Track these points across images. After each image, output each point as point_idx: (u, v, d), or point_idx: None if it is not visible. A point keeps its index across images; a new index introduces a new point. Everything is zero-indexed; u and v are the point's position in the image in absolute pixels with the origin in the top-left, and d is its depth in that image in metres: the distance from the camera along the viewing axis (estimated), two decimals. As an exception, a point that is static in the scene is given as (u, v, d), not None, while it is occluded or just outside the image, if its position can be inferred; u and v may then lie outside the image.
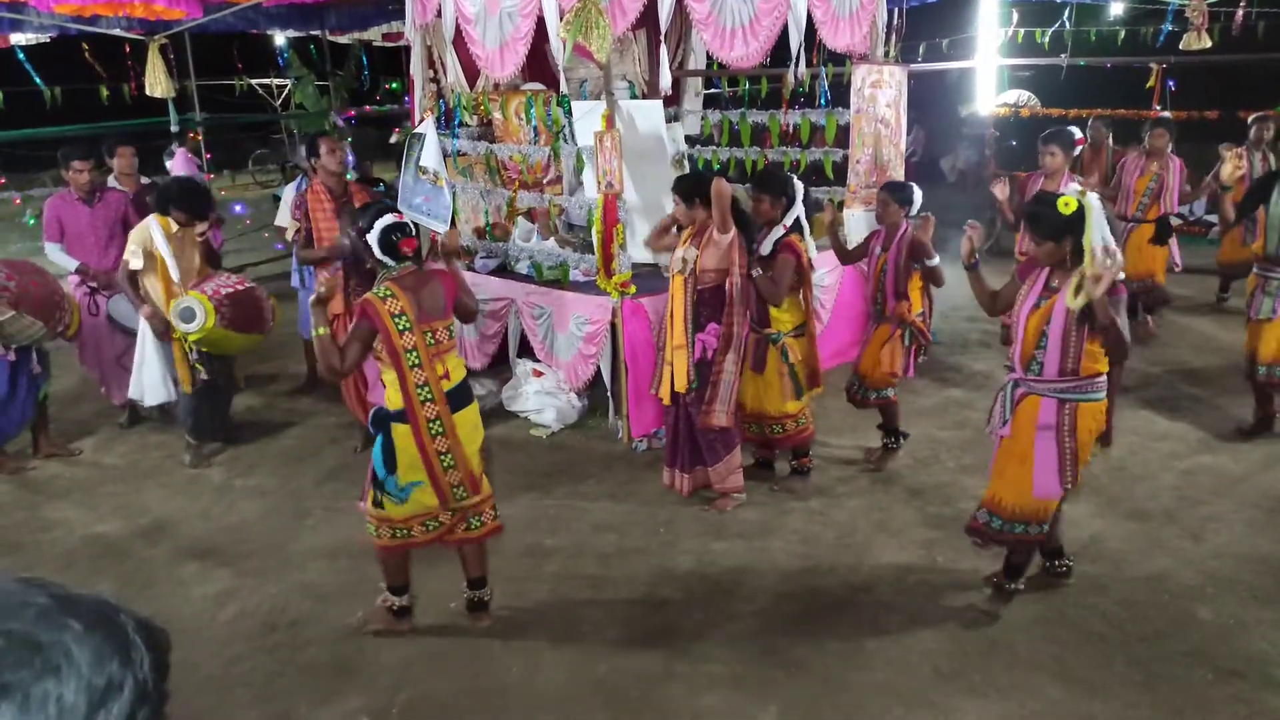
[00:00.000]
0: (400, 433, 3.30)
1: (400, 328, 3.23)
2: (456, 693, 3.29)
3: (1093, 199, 3.20)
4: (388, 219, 3.31)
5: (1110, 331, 3.17)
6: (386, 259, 3.32)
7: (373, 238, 3.29)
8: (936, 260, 4.62)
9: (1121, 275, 3.16)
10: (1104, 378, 3.37)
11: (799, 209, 4.49)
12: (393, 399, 3.31)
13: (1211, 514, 4.38)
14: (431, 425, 3.29)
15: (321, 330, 3.26)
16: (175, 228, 5.12)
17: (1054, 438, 3.38)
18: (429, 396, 3.28)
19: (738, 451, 4.56)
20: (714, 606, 3.77)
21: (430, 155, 5.74)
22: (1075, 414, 3.37)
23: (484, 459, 3.61)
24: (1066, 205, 3.20)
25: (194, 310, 4.86)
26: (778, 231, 4.46)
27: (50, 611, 0.73)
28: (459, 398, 3.41)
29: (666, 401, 4.48)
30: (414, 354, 3.25)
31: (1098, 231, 3.15)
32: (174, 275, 5.06)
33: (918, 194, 4.74)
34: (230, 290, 5.06)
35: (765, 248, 4.47)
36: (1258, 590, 3.75)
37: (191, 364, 5.14)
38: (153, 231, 5.06)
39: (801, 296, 4.58)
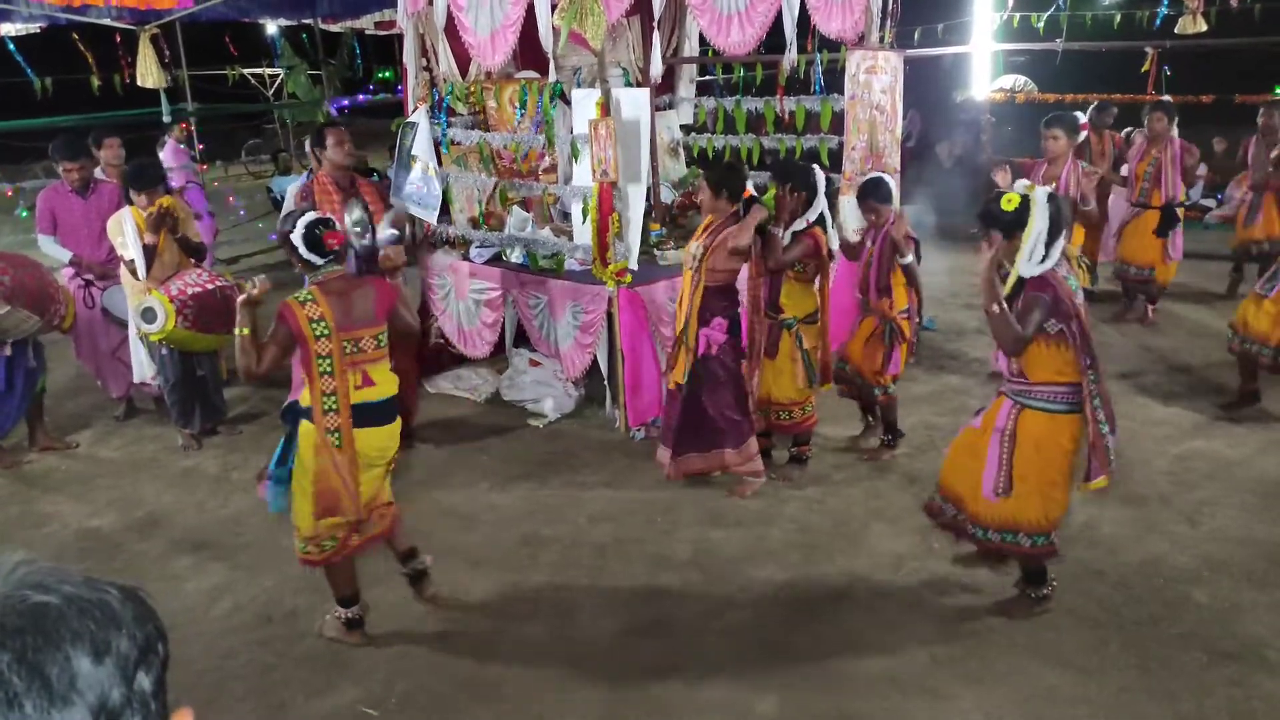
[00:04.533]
0: (304, 431, 3.26)
1: (317, 334, 3.16)
2: (453, 684, 3.29)
3: (1039, 194, 3.17)
4: (311, 216, 3.26)
5: (988, 313, 3.21)
6: (313, 256, 3.24)
7: (297, 236, 3.22)
8: (910, 259, 4.56)
9: (1032, 269, 3.15)
10: (1066, 389, 3.26)
11: (822, 204, 4.48)
12: (306, 398, 3.27)
13: (1206, 498, 4.39)
14: (331, 436, 3.22)
15: (245, 331, 3.17)
16: (147, 219, 5.12)
17: (998, 440, 3.36)
18: (333, 407, 3.21)
19: (754, 438, 4.55)
20: (712, 596, 3.77)
21: (421, 144, 5.72)
22: (1018, 418, 3.33)
23: (393, 473, 3.56)
24: (1009, 202, 3.20)
25: (155, 311, 4.84)
26: (799, 225, 4.46)
27: (90, 581, 0.82)
28: (379, 413, 3.32)
29: (681, 380, 4.44)
30: (327, 361, 3.18)
31: (1039, 225, 3.13)
32: (140, 273, 5.07)
33: (893, 184, 4.73)
34: (197, 290, 5.01)
35: (786, 238, 4.47)
36: (1252, 573, 3.76)
37: (160, 360, 5.26)
38: (125, 224, 5.06)
39: (817, 286, 4.59)
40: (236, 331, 3.18)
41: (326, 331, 3.17)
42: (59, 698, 0.73)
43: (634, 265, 5.29)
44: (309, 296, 3.20)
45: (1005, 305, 3.20)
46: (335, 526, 3.34)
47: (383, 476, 3.48)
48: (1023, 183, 3.30)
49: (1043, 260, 3.15)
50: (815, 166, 4.64)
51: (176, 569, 4.15)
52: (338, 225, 3.30)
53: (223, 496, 4.85)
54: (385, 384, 3.36)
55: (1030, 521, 3.38)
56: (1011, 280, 3.23)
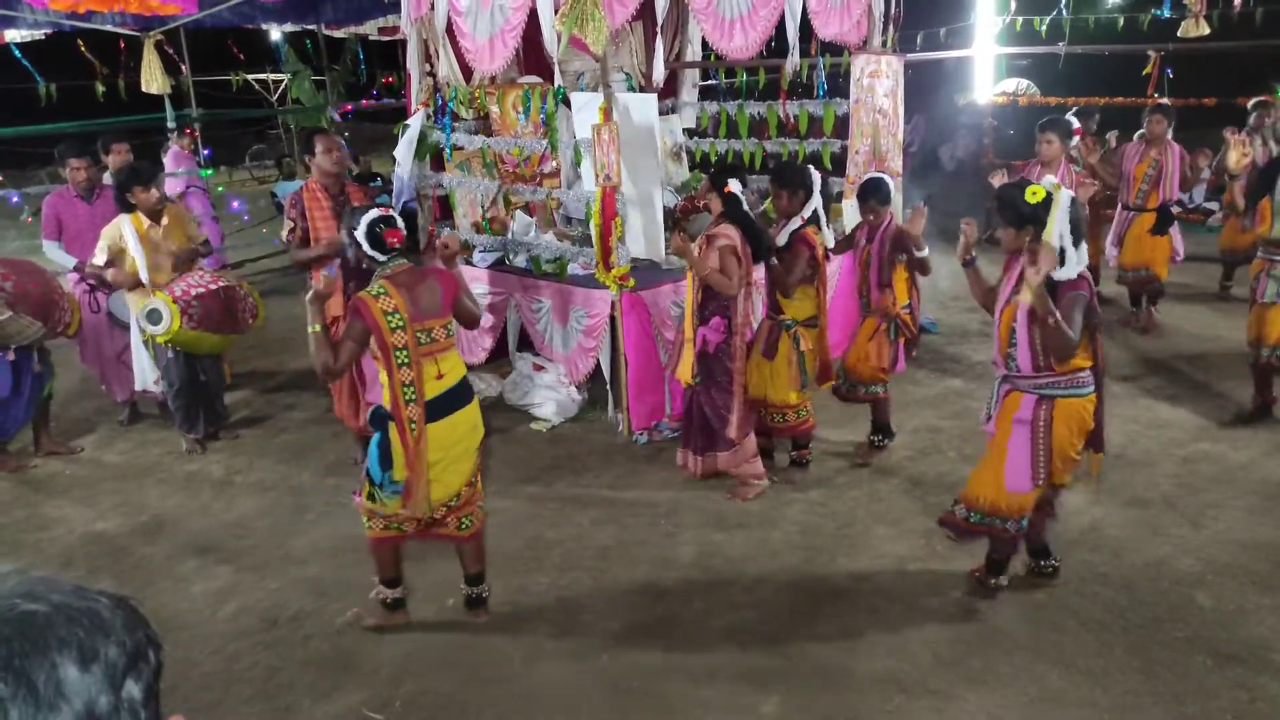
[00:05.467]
0: (396, 427, 3.29)
1: (393, 325, 3.21)
2: (458, 685, 3.30)
3: (1064, 195, 3.17)
4: (374, 213, 3.32)
5: (1046, 326, 3.16)
6: (376, 254, 3.32)
7: (360, 234, 3.30)
8: (926, 252, 4.61)
9: (1067, 272, 3.16)
10: (1087, 374, 3.33)
11: (817, 200, 4.53)
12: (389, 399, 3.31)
13: (1211, 501, 4.38)
14: (413, 426, 3.26)
15: (317, 328, 3.25)
16: (147, 224, 5.15)
17: (1028, 433, 3.36)
18: (412, 397, 3.25)
19: (750, 440, 4.56)
20: (715, 597, 3.78)
21: (401, 147, 5.84)
22: (1052, 410, 3.33)
23: (481, 456, 3.59)
24: (1033, 194, 3.18)
25: (160, 313, 4.87)
26: (795, 223, 4.51)
27: (80, 589, 0.83)
28: (456, 398, 3.38)
29: (688, 380, 4.48)
30: (404, 353, 3.23)
31: (1059, 225, 3.13)
32: (144, 277, 5.09)
33: (891, 185, 4.76)
34: (201, 291, 5.04)
35: (781, 239, 4.52)
36: (1257, 576, 3.76)
37: (165, 364, 5.26)
38: (124, 230, 5.09)
39: (816, 288, 4.60)
40: (309, 329, 3.25)
41: (401, 323, 3.22)
42: (45, 704, 0.74)
43: (667, 265, 5.34)
44: (381, 290, 3.24)
45: (1059, 315, 3.14)
46: (409, 514, 3.38)
47: (472, 471, 3.49)
48: (1050, 179, 3.30)
49: (1068, 264, 3.17)
50: (810, 166, 4.69)
51: (182, 572, 4.16)
52: (397, 223, 3.33)
53: (227, 500, 4.87)
54: (458, 368, 3.43)
55: (1023, 505, 3.46)
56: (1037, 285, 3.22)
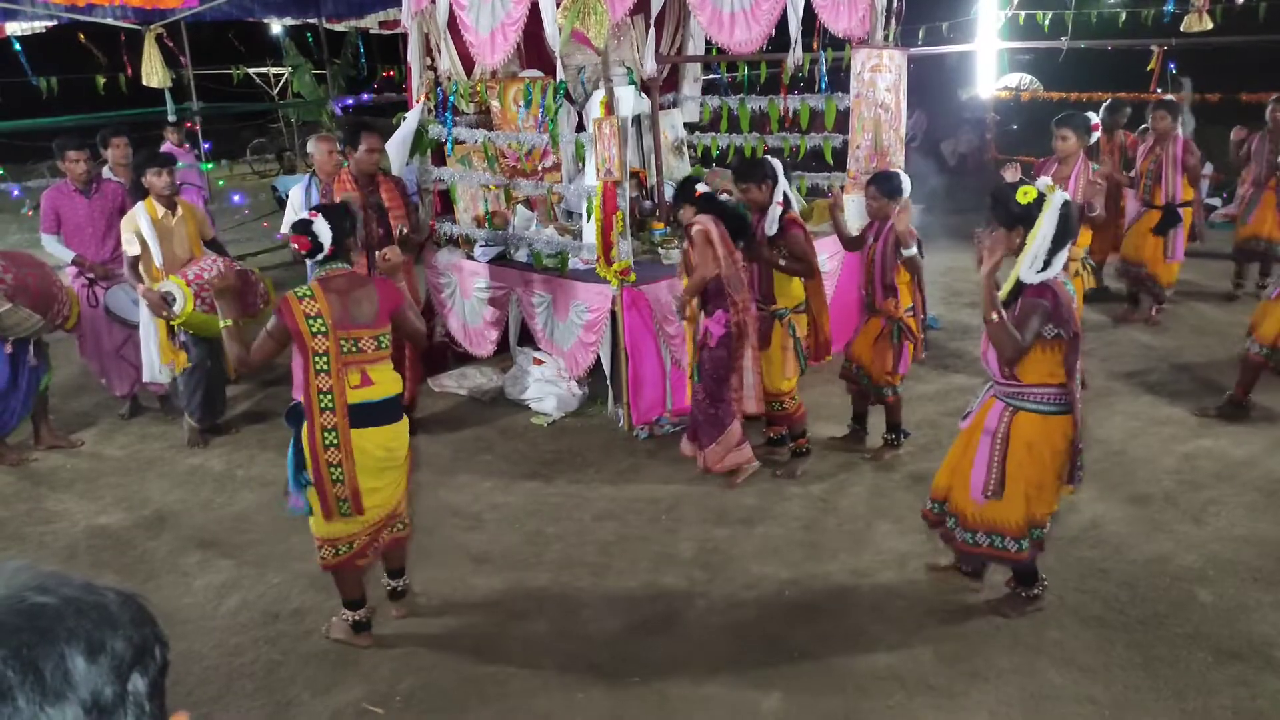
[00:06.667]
0: (307, 432, 3.25)
1: (314, 330, 3.15)
2: (458, 682, 3.30)
3: (1056, 197, 3.13)
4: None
5: (988, 322, 3.15)
6: (304, 257, 3.32)
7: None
8: (914, 250, 4.52)
9: (1033, 276, 3.14)
10: (1056, 390, 3.24)
11: (784, 184, 4.62)
12: None
13: (1212, 497, 4.38)
14: (326, 435, 3.19)
15: (227, 322, 3.22)
16: (162, 212, 5.16)
17: (989, 442, 3.33)
18: (329, 405, 3.18)
19: (735, 428, 4.57)
20: (716, 593, 3.78)
21: (393, 142, 5.86)
22: (1011, 421, 3.29)
23: (410, 470, 3.56)
24: (1025, 195, 3.14)
25: (173, 295, 4.90)
26: (775, 210, 4.56)
27: (89, 584, 0.84)
28: (380, 413, 3.28)
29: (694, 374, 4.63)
30: (323, 359, 3.16)
31: (1045, 228, 3.09)
32: (157, 261, 5.11)
33: (906, 182, 4.70)
34: (214, 275, 5.04)
35: (771, 228, 4.57)
36: (1258, 573, 3.75)
37: (180, 346, 5.26)
38: (139, 218, 5.12)
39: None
40: (220, 323, 3.22)
41: (324, 329, 3.15)
42: (52, 693, 0.76)
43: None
44: (307, 293, 3.19)
45: (1004, 314, 3.14)
46: (349, 533, 3.34)
47: (400, 481, 3.45)
48: (1044, 181, 3.26)
49: (1044, 268, 3.13)
50: (766, 157, 4.78)
51: (185, 566, 4.17)
52: (305, 229, 3.26)
53: (229, 494, 4.87)
54: (386, 384, 3.32)
55: (1015, 524, 3.35)
56: (1010, 284, 3.21)
